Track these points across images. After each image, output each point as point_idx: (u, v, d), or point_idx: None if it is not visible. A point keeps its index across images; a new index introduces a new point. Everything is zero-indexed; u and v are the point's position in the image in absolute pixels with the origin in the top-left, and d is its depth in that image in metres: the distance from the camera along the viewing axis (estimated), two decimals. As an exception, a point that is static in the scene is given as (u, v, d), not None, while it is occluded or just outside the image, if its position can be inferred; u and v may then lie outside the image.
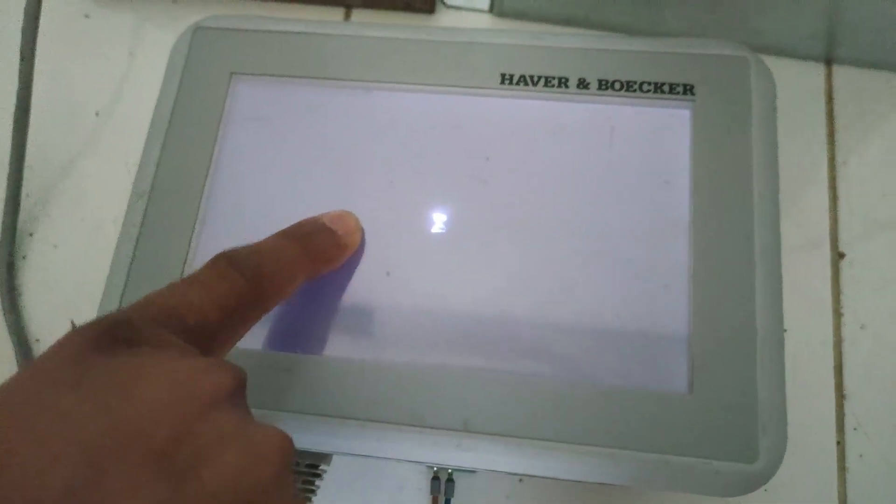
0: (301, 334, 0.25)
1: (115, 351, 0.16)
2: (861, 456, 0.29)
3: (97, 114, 0.35)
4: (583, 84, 0.28)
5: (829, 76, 0.34)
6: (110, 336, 0.16)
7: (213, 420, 0.16)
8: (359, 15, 0.35)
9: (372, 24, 0.29)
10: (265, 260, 0.21)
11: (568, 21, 0.34)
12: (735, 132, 0.27)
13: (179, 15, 0.36)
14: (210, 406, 0.16)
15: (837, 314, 0.31)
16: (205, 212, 0.27)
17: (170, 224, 0.27)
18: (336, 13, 0.35)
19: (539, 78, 0.28)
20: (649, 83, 0.27)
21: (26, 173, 0.32)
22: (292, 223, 0.24)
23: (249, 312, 0.21)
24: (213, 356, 0.19)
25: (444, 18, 0.35)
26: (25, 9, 0.30)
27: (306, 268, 0.23)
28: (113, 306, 0.26)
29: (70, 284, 0.32)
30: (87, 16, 0.37)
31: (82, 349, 0.16)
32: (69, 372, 0.15)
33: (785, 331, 0.31)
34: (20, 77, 0.31)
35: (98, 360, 0.16)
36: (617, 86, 0.27)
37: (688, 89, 0.27)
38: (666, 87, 0.27)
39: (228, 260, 0.20)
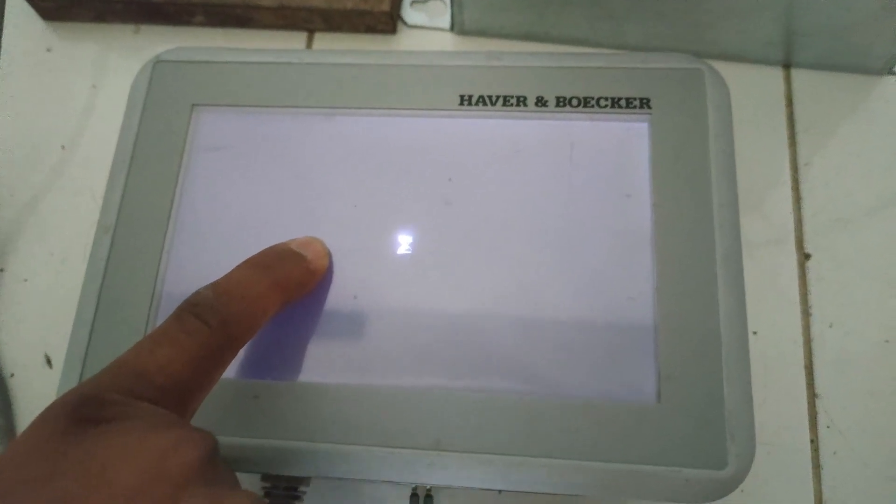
0: (269, 361, 0.26)
1: (85, 433, 0.16)
2: (835, 453, 0.30)
3: (63, 147, 0.35)
4: (541, 102, 0.28)
5: (787, 80, 0.35)
6: (79, 416, 0.17)
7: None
8: (321, 39, 0.36)
9: (331, 52, 0.29)
10: (233, 300, 0.21)
11: (528, 36, 0.35)
12: (692, 143, 0.27)
13: (141, 45, 0.36)
14: (181, 487, 0.16)
15: (806, 314, 0.32)
16: (171, 243, 0.27)
17: (136, 257, 0.27)
18: (299, 39, 0.36)
19: (497, 98, 0.28)
20: (606, 98, 0.28)
21: (-6, 210, 0.32)
22: (258, 250, 0.24)
23: (221, 358, 0.21)
24: (190, 407, 0.20)
25: (405, 39, 0.36)
26: (-15, 48, 0.31)
27: (277, 298, 0.23)
28: (82, 341, 0.26)
29: (42, 318, 0.32)
30: (48, 49, 0.37)
31: (53, 435, 0.16)
32: (42, 466, 0.16)
33: (755, 333, 0.31)
34: (-17, 115, 0.31)
35: (68, 447, 0.16)
36: (574, 102, 0.28)
37: (644, 103, 0.28)
38: (623, 102, 0.28)
39: (193, 310, 0.20)
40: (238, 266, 0.23)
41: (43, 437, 0.16)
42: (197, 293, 0.21)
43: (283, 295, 0.23)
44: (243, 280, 0.22)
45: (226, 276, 0.22)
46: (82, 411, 0.17)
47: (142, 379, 0.18)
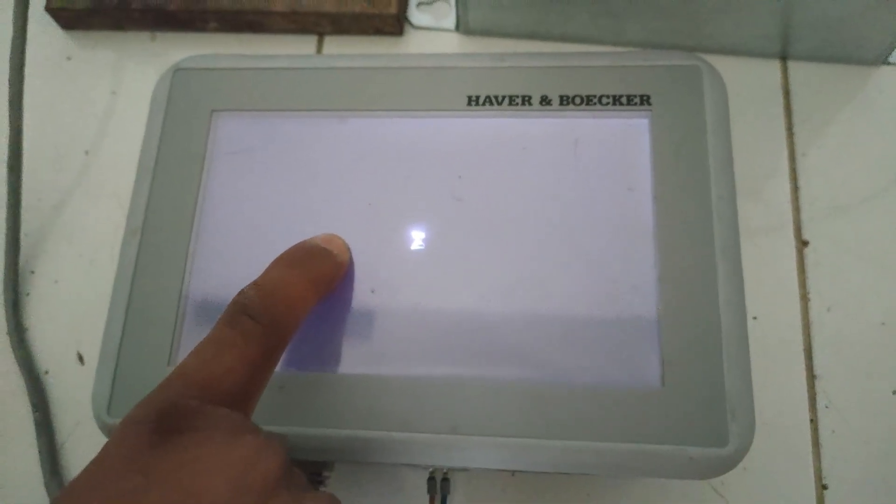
0: (292, 353, 0.27)
1: (170, 444, 0.17)
2: (833, 432, 0.31)
3: (86, 152, 0.36)
4: (545, 101, 0.29)
5: (784, 72, 0.36)
6: (163, 427, 0.17)
7: None
8: (331, 42, 0.37)
9: (342, 56, 0.31)
10: (277, 299, 0.22)
11: (531, 35, 0.36)
12: (691, 137, 0.28)
13: (158, 51, 0.37)
14: (267, 494, 0.17)
15: (804, 299, 0.33)
16: (195, 243, 0.28)
17: (164, 257, 0.28)
18: (309, 42, 0.37)
19: (503, 97, 0.29)
20: (608, 96, 0.29)
21: (23, 214, 0.34)
22: (278, 248, 0.25)
23: (274, 356, 0.22)
24: (252, 408, 0.21)
25: (412, 40, 0.37)
26: (10, 60, 0.32)
27: (314, 294, 0.24)
28: (115, 339, 0.27)
29: (73, 317, 0.34)
30: (68, 58, 0.38)
31: (141, 449, 0.17)
32: (135, 479, 0.16)
33: (755, 318, 0.32)
34: (11, 124, 0.32)
35: (158, 459, 0.17)
36: (578, 100, 0.29)
37: (644, 100, 0.29)
38: (624, 99, 0.29)
39: (244, 311, 0.21)
40: (273, 265, 0.24)
41: (131, 450, 0.17)
42: (243, 295, 0.22)
43: (318, 290, 0.24)
44: (283, 279, 0.23)
45: (264, 276, 0.23)
46: (165, 422, 0.17)
47: (210, 385, 0.19)
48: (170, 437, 0.17)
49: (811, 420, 0.31)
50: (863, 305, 0.32)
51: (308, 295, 0.24)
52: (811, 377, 0.32)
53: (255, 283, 0.22)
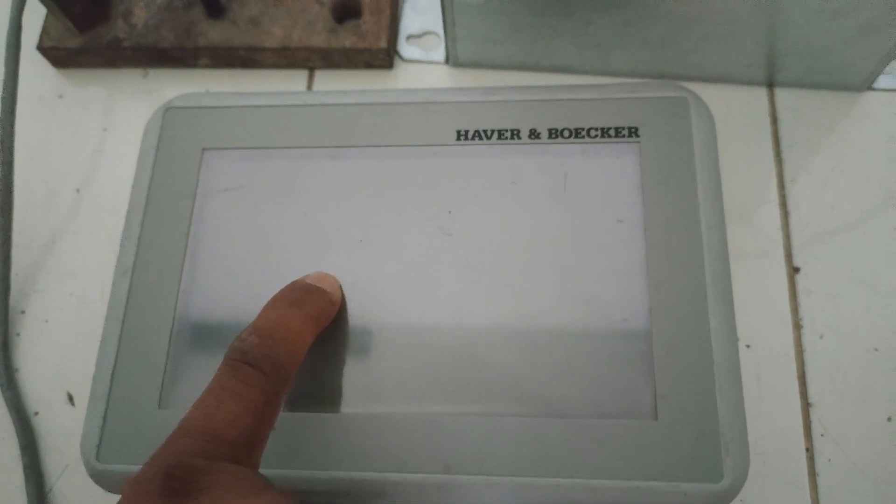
0: (285, 393, 0.27)
1: None
2: (830, 461, 0.31)
3: (77, 190, 0.36)
4: (534, 134, 0.29)
5: (771, 99, 0.36)
6: (171, 491, 0.17)
7: None
8: (322, 76, 0.37)
9: (332, 92, 0.31)
10: (276, 342, 0.22)
11: (520, 66, 0.36)
12: (680, 168, 0.28)
13: (149, 88, 0.38)
14: None
15: (797, 326, 0.33)
16: (186, 282, 0.28)
17: (154, 297, 0.28)
18: (300, 77, 0.37)
19: (492, 132, 0.29)
20: (596, 129, 0.29)
21: (14, 253, 0.34)
22: (269, 287, 0.25)
23: (278, 400, 0.21)
24: (259, 454, 0.20)
25: (402, 73, 0.37)
26: (2, 100, 0.32)
27: (312, 332, 0.24)
28: (105, 381, 0.27)
29: (63, 357, 0.33)
30: (60, 96, 0.38)
31: None
32: None
33: (748, 346, 0.32)
34: (1, 163, 0.32)
35: None
36: (566, 133, 0.29)
37: (632, 132, 0.29)
38: (612, 131, 0.29)
39: (244, 359, 0.21)
40: (267, 306, 0.24)
41: None
42: (241, 340, 0.22)
43: (316, 328, 0.24)
44: (281, 320, 0.23)
45: (262, 317, 0.23)
46: (173, 485, 0.17)
47: (216, 438, 0.19)
48: (178, 500, 0.17)
49: (807, 449, 0.31)
50: (855, 331, 0.32)
51: (306, 333, 0.23)
52: (806, 405, 0.32)
53: (252, 328, 0.22)
